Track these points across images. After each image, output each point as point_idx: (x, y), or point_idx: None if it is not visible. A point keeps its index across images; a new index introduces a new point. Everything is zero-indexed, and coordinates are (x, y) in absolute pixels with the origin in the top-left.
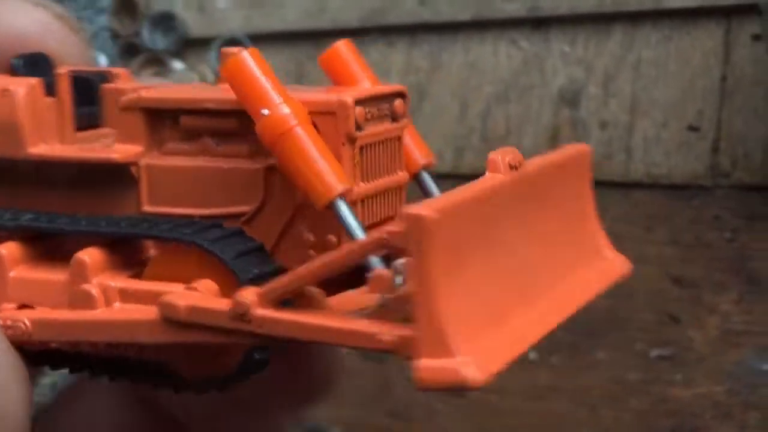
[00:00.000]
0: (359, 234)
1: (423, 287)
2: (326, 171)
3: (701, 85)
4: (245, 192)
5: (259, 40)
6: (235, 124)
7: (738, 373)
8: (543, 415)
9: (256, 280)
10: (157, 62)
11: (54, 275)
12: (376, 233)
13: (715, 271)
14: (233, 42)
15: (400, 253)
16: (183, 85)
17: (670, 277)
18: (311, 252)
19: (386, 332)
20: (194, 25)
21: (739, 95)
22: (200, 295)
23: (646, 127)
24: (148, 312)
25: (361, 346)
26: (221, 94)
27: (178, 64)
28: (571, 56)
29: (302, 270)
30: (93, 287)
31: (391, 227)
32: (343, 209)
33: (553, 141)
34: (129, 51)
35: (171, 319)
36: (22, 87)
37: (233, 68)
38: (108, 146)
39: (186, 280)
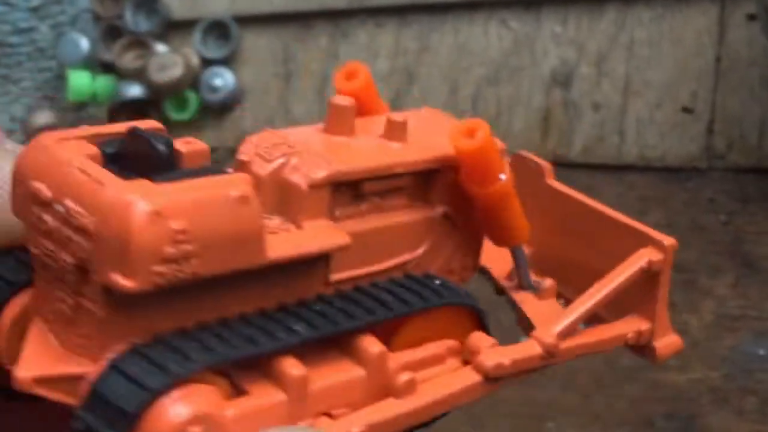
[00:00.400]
0: (527, 270)
1: (663, 299)
2: (524, 222)
3: (695, 65)
4: (413, 240)
5: (244, 22)
6: (405, 182)
7: (734, 358)
8: (532, 402)
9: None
10: (139, 45)
11: (349, 375)
12: (635, 260)
13: (710, 254)
14: (218, 25)
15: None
16: (340, 140)
17: None
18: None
19: (629, 331)
20: (177, 7)
21: (734, 76)
22: (509, 349)
23: (639, 109)
24: (466, 378)
25: (617, 345)
26: (400, 157)
27: (161, 47)
28: (563, 37)
29: (586, 304)
30: (406, 373)
31: (651, 255)
32: (522, 251)
33: (545, 123)
34: (111, 34)
35: (491, 377)
36: (249, 188)
37: (487, 143)
38: (293, 226)
39: (430, 338)
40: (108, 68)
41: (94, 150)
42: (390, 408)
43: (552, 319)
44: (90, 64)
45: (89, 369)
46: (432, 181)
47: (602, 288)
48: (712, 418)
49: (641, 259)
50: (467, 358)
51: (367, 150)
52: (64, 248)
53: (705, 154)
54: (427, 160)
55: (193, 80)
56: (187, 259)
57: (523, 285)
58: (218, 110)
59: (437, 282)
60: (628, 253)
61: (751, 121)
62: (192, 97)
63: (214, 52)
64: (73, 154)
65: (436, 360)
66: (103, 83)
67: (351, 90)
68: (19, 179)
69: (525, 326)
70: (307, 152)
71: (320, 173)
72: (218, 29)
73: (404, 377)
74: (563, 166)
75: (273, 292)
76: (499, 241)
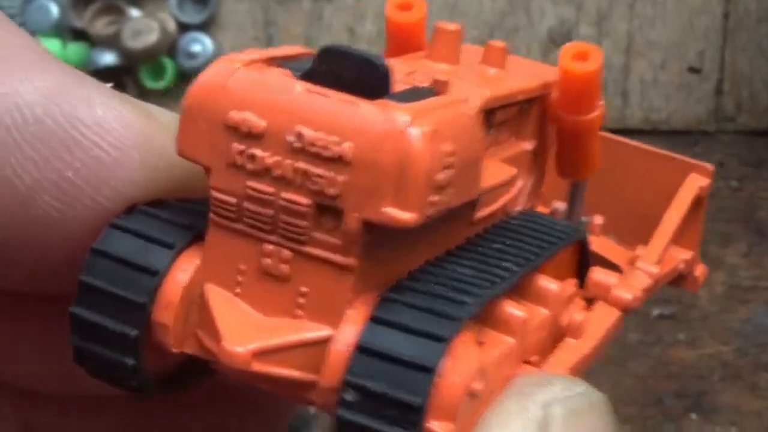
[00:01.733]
0: (582, 206)
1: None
2: (599, 153)
3: (702, 23)
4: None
5: None
6: (512, 113)
7: (746, 332)
8: None
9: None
10: (112, 10)
11: (539, 317)
12: (689, 189)
13: (720, 222)
14: None
15: None
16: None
17: None
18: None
19: (680, 261)
20: None
21: (743, 33)
22: (630, 281)
23: (643, 70)
24: (610, 315)
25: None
26: (521, 84)
27: (135, 12)
28: None
29: (664, 237)
30: (580, 312)
31: (700, 182)
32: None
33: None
34: None
35: (628, 311)
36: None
37: (596, 67)
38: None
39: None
40: (79, 35)
41: (287, 73)
42: (578, 349)
43: (624, 255)
44: (60, 31)
45: (327, 332)
46: (527, 113)
47: (672, 219)
48: (724, 396)
49: (694, 186)
50: (594, 294)
51: (489, 77)
52: (291, 186)
53: (713, 116)
54: (537, 87)
55: (169, 47)
56: (450, 186)
57: (575, 220)
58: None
59: (551, 219)
60: (668, 184)
61: (761, 80)
62: (168, 65)
63: (191, 16)
64: (280, 76)
65: (573, 298)
66: (74, 51)
67: (406, 22)
68: (201, 112)
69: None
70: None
71: (477, 100)
72: None
73: (579, 316)
74: None
75: (443, 231)
76: (569, 173)
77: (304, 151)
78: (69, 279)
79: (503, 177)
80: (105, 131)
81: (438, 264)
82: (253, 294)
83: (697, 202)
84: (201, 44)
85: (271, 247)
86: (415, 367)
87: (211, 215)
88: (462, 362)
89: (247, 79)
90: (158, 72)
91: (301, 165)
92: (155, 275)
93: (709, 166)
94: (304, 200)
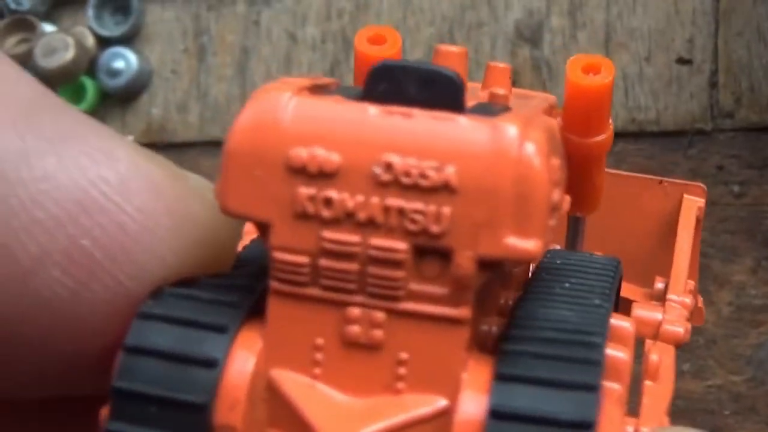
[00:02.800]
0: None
1: None
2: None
3: (689, 5)
4: None
5: None
6: None
7: (760, 358)
8: None
9: None
10: (23, 26)
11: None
12: (688, 212)
13: (722, 234)
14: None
15: None
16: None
17: None
18: None
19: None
20: None
21: (738, 16)
22: (671, 315)
23: (625, 64)
24: (669, 352)
25: None
26: (539, 103)
27: (49, 27)
28: None
29: (681, 271)
30: (654, 353)
31: (697, 203)
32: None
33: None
34: None
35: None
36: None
37: (609, 81)
38: None
39: None
40: None
41: (340, 99)
42: (664, 393)
43: (630, 290)
44: None
45: (442, 402)
46: None
47: (685, 246)
48: None
49: (692, 208)
50: (640, 331)
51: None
52: (381, 230)
53: (709, 113)
54: (547, 108)
55: (89, 64)
56: (560, 207)
57: None
58: (121, 98)
59: (585, 254)
60: (660, 211)
61: (762, 69)
62: (89, 84)
63: (111, 29)
64: (343, 102)
65: None
66: None
67: (379, 57)
68: (253, 156)
69: None
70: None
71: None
72: (115, 3)
73: (655, 357)
74: None
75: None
76: (573, 206)
77: (395, 184)
78: (80, 380)
79: None
80: (131, 192)
81: (525, 308)
82: (338, 373)
83: (696, 226)
84: (124, 60)
85: (357, 310)
86: (569, 425)
87: (273, 283)
88: (613, 412)
89: (305, 109)
90: (78, 93)
91: (394, 202)
92: (214, 367)
93: (700, 185)
94: (400, 245)
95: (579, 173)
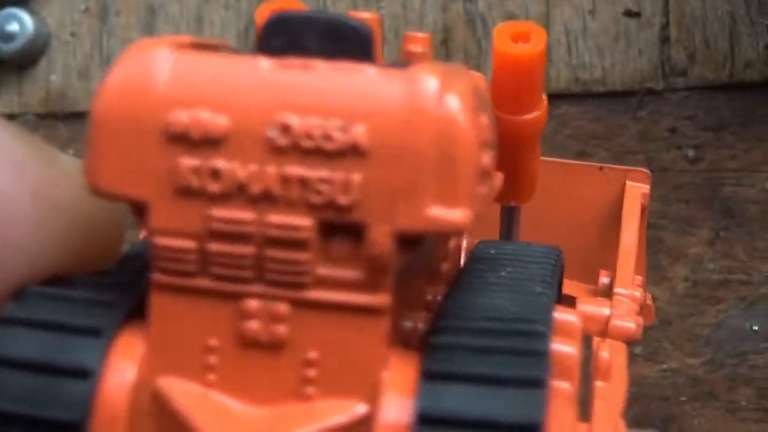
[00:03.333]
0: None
1: None
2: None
3: None
4: None
5: None
6: None
7: (718, 338)
8: None
9: None
10: None
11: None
12: (632, 199)
13: (677, 203)
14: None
15: None
16: None
17: None
18: None
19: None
20: None
21: None
22: (619, 311)
23: (567, 18)
24: (620, 350)
25: None
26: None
27: None
28: None
29: (629, 264)
30: (605, 350)
31: (641, 189)
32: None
33: (445, 48)
34: None
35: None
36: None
37: (541, 49)
38: None
39: None
40: None
41: (230, 56)
42: (617, 394)
43: (572, 286)
44: None
45: (360, 408)
46: None
47: (631, 237)
48: (696, 420)
49: (636, 196)
50: (587, 327)
51: None
52: (280, 205)
53: (660, 71)
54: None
55: None
56: (490, 173)
57: None
58: (17, 64)
59: (522, 243)
60: (602, 199)
61: (717, 22)
62: None
63: None
64: (230, 58)
65: None
66: None
67: None
68: (124, 123)
69: None
70: None
71: None
72: None
73: (606, 354)
74: None
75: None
76: (504, 194)
77: (294, 149)
78: None
79: None
80: None
81: (455, 298)
82: (235, 379)
83: (641, 214)
84: (19, 22)
85: (255, 303)
86: (512, 428)
87: (155, 275)
88: (563, 413)
89: (185, 66)
90: None
91: (293, 170)
92: (87, 378)
93: (644, 170)
94: (303, 221)
95: (511, 156)
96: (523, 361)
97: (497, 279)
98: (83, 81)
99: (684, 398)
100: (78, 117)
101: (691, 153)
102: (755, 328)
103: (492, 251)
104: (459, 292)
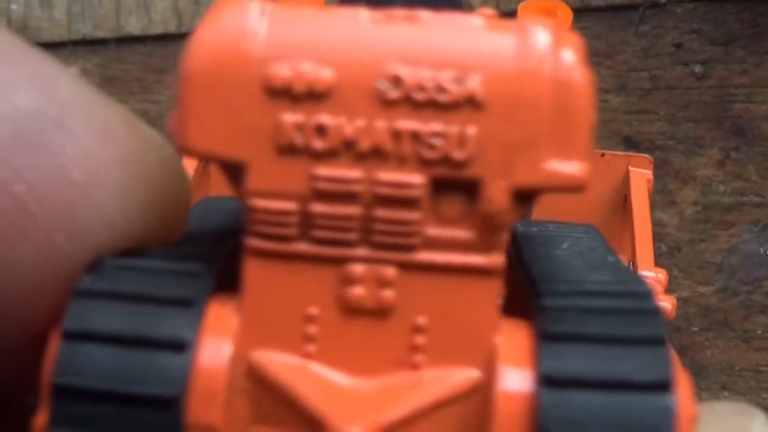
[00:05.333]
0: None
1: None
2: None
3: None
4: None
5: None
6: None
7: (731, 265)
8: None
9: None
10: None
11: None
12: (639, 185)
13: (684, 123)
14: None
15: None
16: None
17: (622, 138)
18: None
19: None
20: None
21: None
22: None
23: None
24: None
25: None
26: None
27: None
28: None
29: (645, 248)
30: None
31: (646, 175)
32: None
33: None
34: None
35: None
36: None
37: (567, 27)
38: None
39: None
40: None
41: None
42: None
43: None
44: None
45: (474, 373)
46: None
47: (644, 226)
48: (710, 351)
49: (642, 182)
50: None
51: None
52: (390, 161)
53: None
54: None
55: None
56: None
57: None
58: None
59: (560, 222)
60: (606, 188)
61: None
62: None
63: None
64: (327, 8)
65: None
66: None
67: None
68: (220, 78)
69: None
70: None
71: None
72: None
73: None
74: None
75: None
76: None
77: (406, 102)
78: None
79: None
80: (76, 132)
81: (537, 267)
82: (338, 349)
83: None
84: None
85: (360, 267)
86: (645, 387)
87: (250, 241)
88: (679, 366)
89: (284, 19)
90: None
91: (405, 124)
92: (183, 351)
93: (646, 156)
94: (415, 178)
95: None
96: (642, 320)
97: (564, 251)
98: (46, 10)
99: (696, 328)
100: (42, 48)
101: (698, 69)
102: None
103: (534, 229)
104: (537, 261)
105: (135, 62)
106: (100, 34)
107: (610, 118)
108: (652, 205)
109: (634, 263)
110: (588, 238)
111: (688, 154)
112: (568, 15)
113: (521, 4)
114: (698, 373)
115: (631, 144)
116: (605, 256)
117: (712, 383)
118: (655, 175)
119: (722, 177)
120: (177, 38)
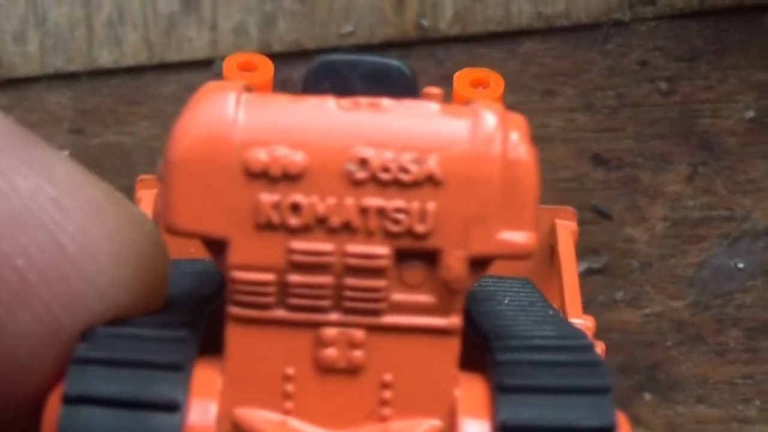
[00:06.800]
0: None
1: None
2: None
3: None
4: None
5: None
6: None
7: (703, 279)
8: None
9: None
10: None
11: None
12: (564, 238)
13: (651, 140)
14: None
15: None
16: None
17: (590, 156)
18: None
19: None
20: None
21: None
22: None
23: None
24: None
25: None
26: None
27: None
28: None
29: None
30: None
31: (570, 227)
32: None
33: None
34: None
35: None
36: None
37: (499, 96)
38: None
39: None
40: None
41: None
42: None
43: None
44: None
45: (434, 423)
46: None
47: (571, 277)
48: (684, 366)
49: (568, 234)
50: None
51: None
52: (359, 235)
53: (626, 1)
54: None
55: None
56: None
57: None
58: None
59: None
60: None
61: None
62: None
63: None
64: (296, 98)
65: None
66: None
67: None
68: (204, 163)
69: None
70: None
71: None
72: None
73: None
74: (432, 43)
75: None
76: None
77: (372, 181)
78: None
79: None
80: (70, 210)
81: (487, 323)
82: (313, 405)
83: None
84: None
85: (333, 330)
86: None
87: (232, 309)
88: (621, 416)
89: (258, 107)
90: None
91: (372, 201)
92: (175, 411)
93: (569, 208)
94: (382, 250)
95: None
96: (587, 372)
97: (507, 306)
98: (19, 45)
99: (669, 343)
100: (17, 83)
101: (663, 86)
102: (740, 265)
103: (474, 285)
104: (485, 317)
105: (108, 95)
106: (73, 67)
107: (577, 137)
108: (622, 222)
109: (564, 311)
110: (525, 292)
111: (656, 171)
112: (500, 84)
113: (456, 74)
114: (673, 387)
115: (599, 162)
116: (546, 310)
117: (687, 397)
118: (624, 192)
119: (691, 192)
120: (149, 70)
